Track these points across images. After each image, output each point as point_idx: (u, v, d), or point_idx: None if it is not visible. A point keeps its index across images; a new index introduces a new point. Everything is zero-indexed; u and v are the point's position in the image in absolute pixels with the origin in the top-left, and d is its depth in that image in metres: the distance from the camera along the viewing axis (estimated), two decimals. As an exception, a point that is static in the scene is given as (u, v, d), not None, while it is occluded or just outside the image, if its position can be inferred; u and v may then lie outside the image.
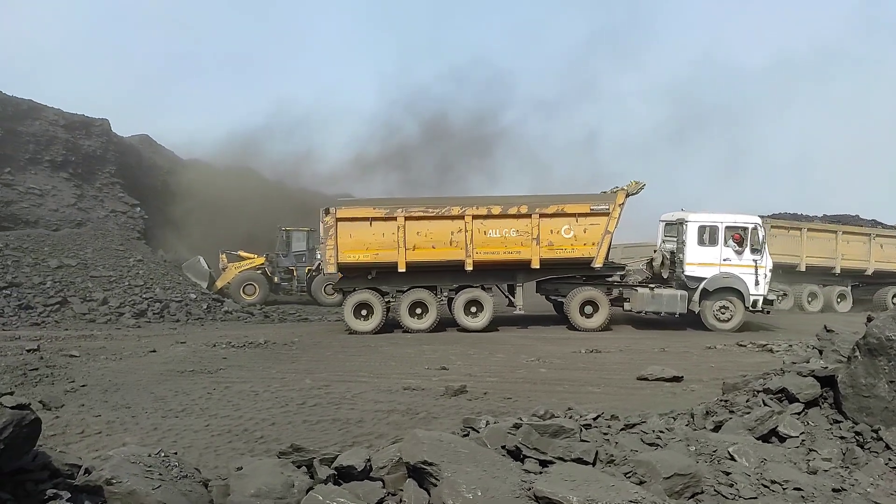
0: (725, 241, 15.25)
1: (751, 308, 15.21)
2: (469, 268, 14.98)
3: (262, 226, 28.02)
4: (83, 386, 9.32)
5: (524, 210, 15.05)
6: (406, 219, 14.86)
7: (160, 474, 2.75)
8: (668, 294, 15.35)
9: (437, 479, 3.09)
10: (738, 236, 15.22)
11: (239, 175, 37.86)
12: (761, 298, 15.20)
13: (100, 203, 25.16)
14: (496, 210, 15.08)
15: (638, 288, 15.74)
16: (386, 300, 15.26)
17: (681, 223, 15.63)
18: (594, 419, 4.46)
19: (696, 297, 15.25)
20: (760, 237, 15.28)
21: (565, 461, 3.67)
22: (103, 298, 17.94)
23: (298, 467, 3.26)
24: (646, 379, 9.36)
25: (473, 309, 15.22)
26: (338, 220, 14.80)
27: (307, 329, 16.34)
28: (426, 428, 6.64)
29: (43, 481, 2.59)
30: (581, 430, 4.05)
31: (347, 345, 13.39)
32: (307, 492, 2.88)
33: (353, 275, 15.40)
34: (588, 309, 15.41)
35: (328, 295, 23.02)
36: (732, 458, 4.09)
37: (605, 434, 4.28)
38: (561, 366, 10.79)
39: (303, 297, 24.50)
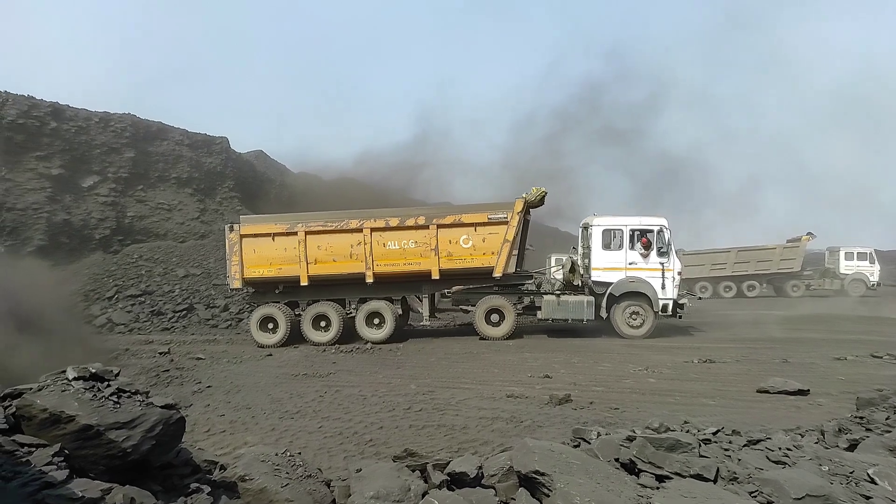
0: (631, 245, 14.91)
1: (661, 312, 14.74)
2: (370, 280, 15.00)
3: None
4: (208, 387, 10.04)
5: (422, 221, 14.97)
6: (306, 233, 14.98)
7: (287, 473, 2.91)
8: (574, 301, 15.09)
9: (549, 489, 3.05)
10: (645, 240, 14.85)
11: (344, 185, 39.53)
12: (671, 302, 14.71)
13: (220, 216, 27.02)
14: (394, 222, 15.04)
15: (545, 295, 15.41)
16: (297, 313, 15.35)
17: (586, 228, 15.42)
18: (713, 434, 4.23)
19: (604, 302, 14.89)
20: (667, 240, 14.79)
21: (683, 477, 3.50)
22: (224, 305, 19.23)
23: (413, 471, 3.34)
24: (766, 392, 8.76)
25: (376, 321, 15.08)
26: (242, 236, 15.04)
27: (413, 334, 16.60)
28: (533, 437, 6.58)
29: (186, 476, 2.81)
30: (700, 445, 3.85)
31: (450, 351, 13.52)
32: (423, 496, 2.94)
33: (263, 290, 15.58)
34: (494, 317, 15.19)
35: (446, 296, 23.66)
36: (873, 481, 3.74)
37: (726, 450, 4.04)
38: (671, 376, 10.33)
39: None
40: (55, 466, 2.17)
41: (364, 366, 11.98)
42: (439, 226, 14.88)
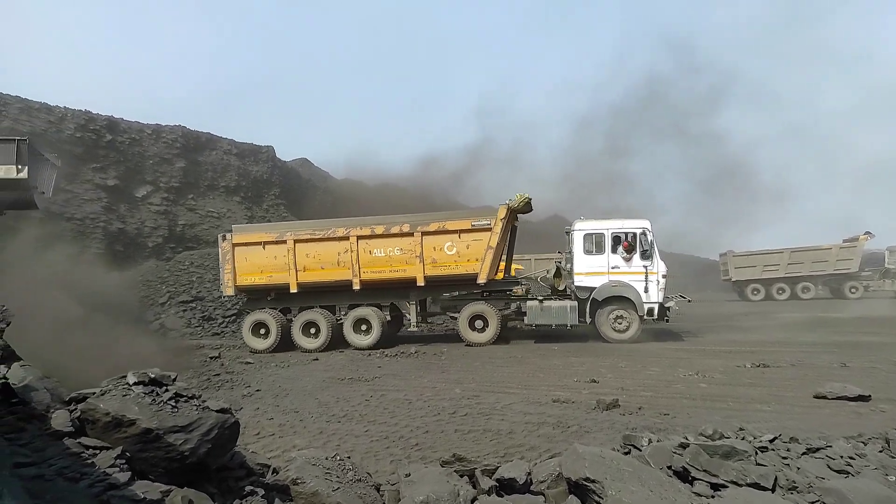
0: (613, 249, 14.76)
1: (647, 316, 14.49)
2: (356, 287, 15.15)
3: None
4: (257, 391, 10.25)
5: (406, 228, 15.08)
6: (295, 241, 15.25)
7: (337, 477, 2.94)
8: (557, 306, 15.04)
9: (600, 497, 3.00)
10: (627, 243, 14.67)
11: (387, 191, 39.93)
12: (657, 306, 14.45)
13: (267, 223, 27.62)
14: (379, 230, 15.19)
15: (528, 301, 15.35)
16: (289, 318, 15.48)
17: (568, 233, 15.29)
18: (770, 441, 4.09)
19: (588, 307, 14.79)
20: (650, 242, 14.55)
21: (740, 486, 3.40)
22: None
23: (461, 476, 3.33)
24: (824, 397, 8.42)
25: (363, 327, 15.18)
26: (234, 245, 15.40)
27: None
28: (580, 442, 6.49)
29: (241, 478, 2.88)
30: (756, 453, 3.73)
31: (494, 356, 13.47)
32: (472, 502, 2.93)
33: (256, 297, 15.84)
34: (478, 323, 15.19)
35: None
36: (945, 493, 3.55)
37: (784, 458, 3.90)
38: (723, 381, 10.04)
39: None
40: (118, 468, 2.25)
41: (408, 370, 12.05)
42: (424, 233, 15.00)
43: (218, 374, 11.96)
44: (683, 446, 3.64)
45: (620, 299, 14.70)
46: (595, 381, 10.06)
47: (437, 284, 15.52)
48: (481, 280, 14.92)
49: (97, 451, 2.33)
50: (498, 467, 3.50)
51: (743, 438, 4.14)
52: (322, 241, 15.35)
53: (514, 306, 15.75)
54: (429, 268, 15.00)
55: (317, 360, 13.78)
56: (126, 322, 15.81)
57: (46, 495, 1.85)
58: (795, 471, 3.79)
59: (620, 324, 14.74)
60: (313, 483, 2.75)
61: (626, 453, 3.93)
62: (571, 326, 15.08)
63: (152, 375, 2.69)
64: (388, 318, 15.73)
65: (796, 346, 13.73)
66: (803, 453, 4.03)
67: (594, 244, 14.95)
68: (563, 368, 11.52)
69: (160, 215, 25.05)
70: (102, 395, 2.56)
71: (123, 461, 2.27)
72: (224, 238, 15.67)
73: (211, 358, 13.68)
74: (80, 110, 25.18)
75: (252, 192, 28.25)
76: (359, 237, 15.13)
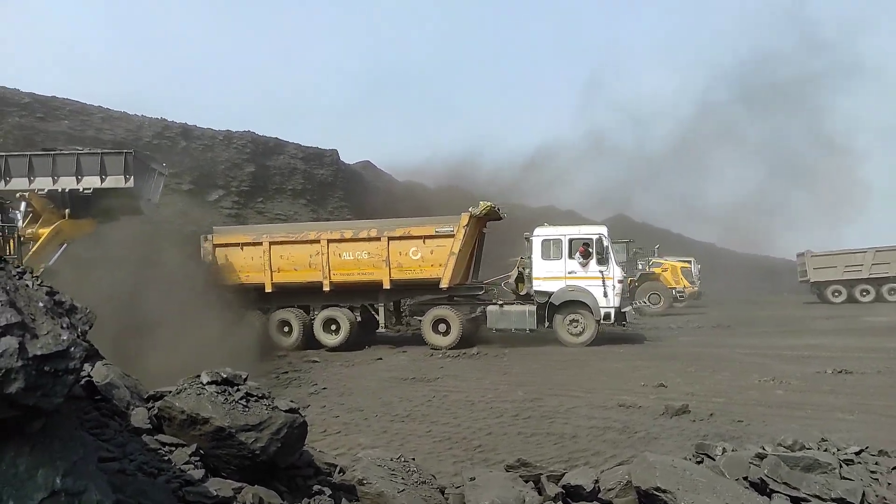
0: (570, 255, 14.95)
1: (603, 321, 14.73)
2: (326, 289, 15.53)
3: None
4: (323, 389, 10.46)
5: (374, 233, 15.46)
6: (270, 243, 15.63)
7: (402, 478, 2.96)
8: (516, 310, 15.28)
9: (671, 507, 2.89)
10: (583, 248, 14.89)
11: (448, 192, 40.10)
12: (613, 310, 14.67)
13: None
14: (348, 234, 15.66)
15: (488, 306, 15.60)
16: (267, 317, 15.57)
17: (527, 239, 15.54)
18: (856, 453, 3.83)
19: (546, 311, 14.95)
20: (605, 248, 14.79)
21: (823, 500, 3.20)
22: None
23: (526, 482, 3.28)
24: (916, 408, 7.88)
25: (333, 327, 15.46)
26: (214, 245, 15.73)
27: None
28: (648, 449, 6.30)
29: (309, 477, 2.94)
30: (841, 466, 3.50)
31: (556, 358, 13.29)
32: (537, 508, 2.88)
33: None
34: (441, 327, 15.26)
35: (652, 304, 24.39)
36: None
37: (873, 472, 3.65)
38: (801, 387, 9.55)
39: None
40: (193, 465, 2.34)
41: (470, 371, 12.03)
42: (390, 238, 15.30)
43: (286, 373, 12.29)
44: (761, 457, 3.45)
45: (578, 304, 14.93)
46: (663, 386, 9.76)
47: (403, 288, 15.91)
48: (444, 285, 15.18)
49: (173, 448, 2.42)
50: (564, 473, 3.43)
51: (826, 450, 3.89)
52: (295, 243, 15.83)
53: (479, 310, 15.97)
54: (395, 272, 15.36)
55: (380, 359, 13.96)
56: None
57: (127, 489, 1.94)
58: (886, 486, 3.54)
59: (575, 327, 14.95)
60: (379, 484, 2.77)
61: (698, 462, 3.77)
62: (531, 330, 15.25)
63: (224, 375, 2.78)
64: (359, 319, 16.12)
65: (883, 352, 12.90)
66: (894, 468, 3.77)
67: (552, 250, 15.24)
68: (628, 372, 11.24)
69: (231, 218, 26.01)
70: (178, 393, 2.66)
71: (198, 458, 2.35)
72: (206, 239, 16.29)
73: (279, 356, 14.06)
74: (157, 118, 26.51)
75: (317, 194, 28.99)
76: (329, 240, 15.59)
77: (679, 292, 25.39)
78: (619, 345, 15.40)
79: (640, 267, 25.72)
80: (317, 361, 13.74)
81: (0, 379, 1.32)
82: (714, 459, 3.73)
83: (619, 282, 14.92)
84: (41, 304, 1.57)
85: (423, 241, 15.29)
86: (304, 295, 16.09)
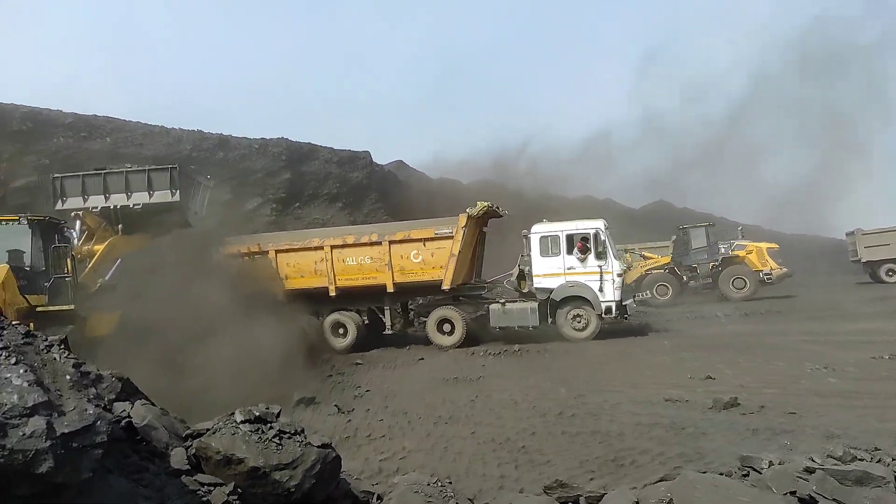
0: (569, 250, 15.02)
1: (605, 315, 14.75)
2: (332, 294, 15.77)
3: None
4: (367, 391, 10.55)
5: (375, 238, 15.68)
6: (276, 252, 15.92)
7: None
8: (518, 308, 15.35)
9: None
10: (580, 244, 14.95)
11: (485, 188, 39.98)
12: (614, 304, 14.69)
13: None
14: (350, 239, 15.93)
15: (490, 304, 15.72)
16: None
17: (525, 237, 15.64)
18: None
19: (548, 308, 15.04)
20: (603, 242, 14.82)
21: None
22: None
23: (564, 504, 3.22)
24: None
25: (341, 330, 15.75)
26: (225, 255, 15.54)
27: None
28: (697, 446, 6.15)
29: (346, 507, 2.95)
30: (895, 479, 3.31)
31: (598, 353, 13.10)
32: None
33: None
34: (446, 327, 15.44)
35: (737, 289, 23.52)
36: None
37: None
38: (857, 375, 9.19)
39: (708, 295, 24.76)
40: (230, 505, 2.37)
41: (512, 369, 11.96)
42: (391, 242, 15.50)
43: (330, 376, 12.44)
44: (809, 470, 3.28)
45: (578, 299, 14.94)
46: (711, 378, 9.53)
47: (405, 291, 16.05)
48: (446, 286, 15.28)
49: (212, 488, 2.46)
50: (603, 495, 3.35)
51: (879, 460, 3.68)
52: (300, 250, 16.10)
53: (483, 309, 16.05)
54: (397, 275, 15.54)
55: (422, 359, 14.01)
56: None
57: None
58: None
59: (579, 322, 14.93)
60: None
61: (744, 475, 3.61)
62: (533, 327, 15.23)
63: (257, 413, 2.81)
64: (366, 321, 16.37)
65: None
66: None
67: (550, 246, 15.29)
68: (674, 365, 11.00)
69: (270, 225, 26.41)
70: (214, 433, 2.70)
71: (235, 497, 2.39)
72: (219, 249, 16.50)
73: (323, 359, 14.21)
74: (194, 130, 27.11)
75: (352, 197, 29.22)
76: (332, 247, 15.82)
77: (767, 275, 23.93)
78: (663, 336, 15.14)
79: (722, 251, 24.68)
80: (360, 364, 13.86)
81: (30, 460, 1.34)
82: (760, 472, 3.56)
83: (619, 275, 14.94)
84: (68, 377, 1.61)
85: (424, 244, 15.51)
86: (312, 300, 16.28)
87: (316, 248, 16.01)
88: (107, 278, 12.22)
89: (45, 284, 10.61)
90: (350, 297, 16.19)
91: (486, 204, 15.50)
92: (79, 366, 1.72)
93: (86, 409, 1.48)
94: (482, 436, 7.28)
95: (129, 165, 14.73)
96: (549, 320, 15.13)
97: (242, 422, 2.69)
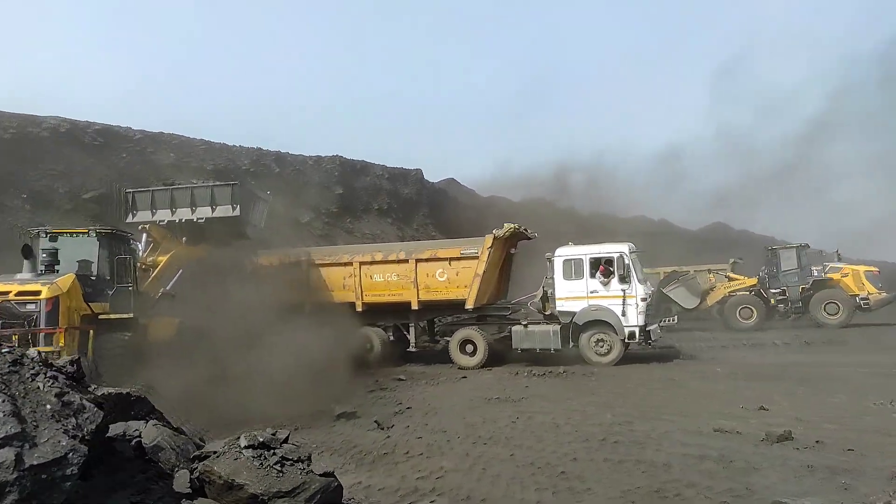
0: (592, 274, 14.86)
1: (627, 339, 14.43)
2: (359, 309, 15.94)
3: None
4: (408, 408, 10.52)
5: (402, 256, 15.95)
6: (308, 266, 16.22)
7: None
8: (540, 330, 15.25)
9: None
10: (603, 268, 14.75)
11: (535, 205, 39.81)
12: (637, 329, 14.36)
13: (417, 241, 28.71)
14: (378, 256, 16.24)
15: (513, 326, 15.60)
16: None
17: (549, 260, 15.53)
18: None
19: (570, 332, 14.85)
20: (626, 266, 14.52)
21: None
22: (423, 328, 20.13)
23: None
24: None
25: (367, 345, 15.78)
26: (261, 268, 15.70)
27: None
28: (747, 481, 5.85)
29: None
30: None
31: (649, 378, 12.72)
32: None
33: None
34: (469, 347, 15.49)
35: (829, 315, 22.38)
36: None
37: None
38: (927, 412, 8.61)
39: (798, 320, 23.53)
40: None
41: (557, 391, 11.74)
42: (417, 260, 15.67)
43: (372, 391, 12.48)
44: None
45: (601, 323, 14.74)
46: (765, 409, 9.09)
47: (430, 308, 16.20)
48: (469, 305, 15.34)
49: None
50: None
51: None
52: (330, 266, 16.43)
53: (507, 330, 15.96)
54: (422, 293, 15.67)
55: (465, 378, 13.92)
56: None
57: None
58: None
59: (602, 346, 14.74)
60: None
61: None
62: (555, 350, 15.05)
63: (261, 439, 2.82)
64: (391, 338, 16.56)
65: None
66: None
67: (573, 269, 15.17)
68: (728, 394, 10.56)
69: (322, 238, 26.96)
70: (218, 457, 2.72)
71: None
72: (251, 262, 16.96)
73: (367, 374, 14.28)
74: (253, 147, 28.02)
75: (403, 213, 29.59)
76: (361, 263, 16.11)
77: (863, 299, 22.31)
78: (717, 363, 14.60)
79: (815, 273, 23.35)
80: (403, 379, 13.87)
81: (-4, 492, 1.35)
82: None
83: (643, 300, 14.55)
84: (48, 407, 1.63)
85: (449, 263, 15.63)
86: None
87: (345, 264, 16.37)
88: (168, 287, 12.69)
89: (109, 293, 11.06)
90: (376, 313, 16.43)
91: (512, 226, 15.58)
92: (62, 395, 1.76)
93: (59, 441, 1.51)
94: (521, 459, 7.13)
95: (194, 181, 15.41)
96: (572, 344, 14.95)
97: (246, 447, 2.71)
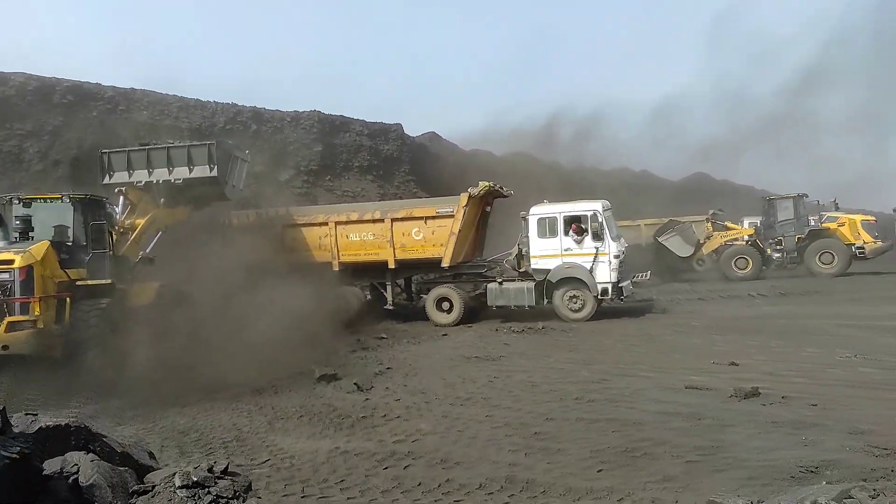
0: (566, 232, 15.02)
1: (601, 296, 14.74)
2: (336, 269, 16.08)
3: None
4: (388, 368, 10.63)
5: (378, 215, 16.05)
6: (283, 227, 16.32)
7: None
8: (514, 288, 15.56)
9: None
10: (576, 226, 14.92)
11: (518, 160, 39.59)
12: (610, 286, 14.63)
13: (399, 199, 28.46)
14: (354, 216, 16.35)
15: (488, 283, 15.89)
16: None
17: (523, 218, 15.66)
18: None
19: (543, 289, 15.12)
20: (600, 224, 14.73)
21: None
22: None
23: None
24: None
25: (345, 305, 15.83)
26: (236, 229, 16.09)
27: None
28: (716, 439, 6.00)
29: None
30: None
31: (627, 333, 12.94)
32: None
33: None
34: (445, 305, 15.80)
35: (824, 264, 22.58)
36: None
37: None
38: (892, 364, 8.86)
39: (794, 270, 23.69)
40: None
41: (536, 348, 11.91)
42: (393, 219, 15.82)
43: (354, 351, 12.58)
44: None
45: (575, 280, 14.94)
46: (735, 364, 9.30)
47: (407, 267, 16.45)
48: (445, 264, 15.52)
49: None
50: None
51: (872, 495, 3.39)
52: (305, 226, 16.50)
53: (482, 288, 16.19)
54: (399, 251, 15.87)
55: (446, 335, 14.06)
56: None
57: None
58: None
59: (575, 303, 15.00)
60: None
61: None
62: (529, 307, 15.36)
63: (195, 479, 2.80)
64: (368, 297, 16.91)
65: None
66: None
67: (547, 228, 15.29)
68: (704, 348, 10.79)
69: (302, 197, 26.63)
70: (153, 496, 2.71)
71: None
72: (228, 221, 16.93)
73: (350, 333, 14.32)
74: (228, 104, 27.31)
75: (383, 170, 29.23)
76: (336, 223, 16.18)
77: (859, 248, 22.43)
78: (695, 316, 14.86)
79: (811, 223, 23.52)
80: (384, 338, 13.99)
81: None
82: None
83: (615, 257, 14.76)
84: None
85: (425, 222, 15.78)
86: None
87: (321, 224, 16.41)
88: (147, 250, 12.55)
89: (86, 259, 10.91)
90: (353, 273, 16.55)
91: (488, 184, 15.67)
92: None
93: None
94: (498, 419, 7.26)
95: (171, 141, 15.05)
96: (546, 301, 15.20)
97: (180, 487, 2.70)
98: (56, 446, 2.95)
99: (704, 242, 25.82)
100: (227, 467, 3.07)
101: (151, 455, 3.68)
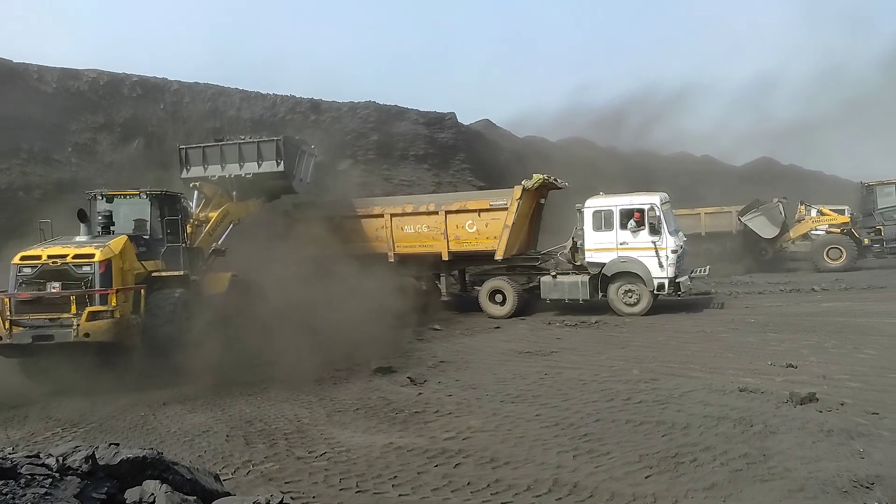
0: (622, 225, 14.86)
1: (656, 291, 14.54)
2: (391, 260, 16.46)
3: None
4: (441, 362, 10.95)
5: (432, 208, 16.33)
6: (342, 218, 16.77)
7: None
8: (569, 281, 15.43)
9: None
10: (638, 215, 14.75)
11: (573, 145, 39.17)
12: (667, 280, 14.41)
13: (454, 188, 28.67)
14: (409, 208, 16.62)
15: (542, 276, 15.87)
16: None
17: (579, 210, 15.54)
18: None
19: (599, 282, 15.04)
20: (657, 218, 14.56)
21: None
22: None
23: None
24: None
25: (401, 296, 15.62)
26: (296, 220, 16.57)
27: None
28: (763, 446, 6.04)
29: None
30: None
31: (681, 329, 12.85)
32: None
33: None
34: (498, 297, 15.97)
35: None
36: None
37: None
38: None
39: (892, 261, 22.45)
40: None
41: (588, 343, 12.00)
42: (447, 212, 16.06)
43: (409, 342, 12.98)
44: None
45: (630, 274, 14.85)
46: (793, 366, 9.16)
47: (461, 259, 16.74)
48: (498, 256, 15.74)
49: None
50: None
51: None
52: (363, 217, 16.94)
53: (536, 280, 16.22)
54: (453, 244, 16.12)
55: (499, 328, 14.30)
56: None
57: None
58: None
59: (631, 297, 14.91)
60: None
61: None
62: (583, 301, 15.30)
63: None
64: (424, 287, 16.98)
65: None
66: None
67: (603, 221, 15.20)
68: (758, 348, 10.64)
69: (360, 186, 27.19)
70: None
71: None
72: (286, 214, 17.54)
73: (404, 326, 14.70)
74: (287, 95, 28.08)
75: (439, 158, 29.47)
76: (392, 215, 16.56)
77: None
78: (753, 312, 14.57)
79: None
80: (439, 329, 14.35)
81: None
82: None
83: (673, 251, 14.54)
84: None
85: (479, 215, 16.05)
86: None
87: (377, 216, 16.84)
88: (219, 242, 13.27)
89: (162, 251, 11.65)
90: (408, 264, 16.87)
91: (542, 176, 15.76)
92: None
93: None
94: (546, 418, 7.45)
95: (242, 137, 15.85)
96: (601, 294, 15.15)
97: None
98: (134, 477, 3.35)
99: (793, 225, 24.31)
100: (282, 500, 3.40)
101: (217, 478, 4.08)
